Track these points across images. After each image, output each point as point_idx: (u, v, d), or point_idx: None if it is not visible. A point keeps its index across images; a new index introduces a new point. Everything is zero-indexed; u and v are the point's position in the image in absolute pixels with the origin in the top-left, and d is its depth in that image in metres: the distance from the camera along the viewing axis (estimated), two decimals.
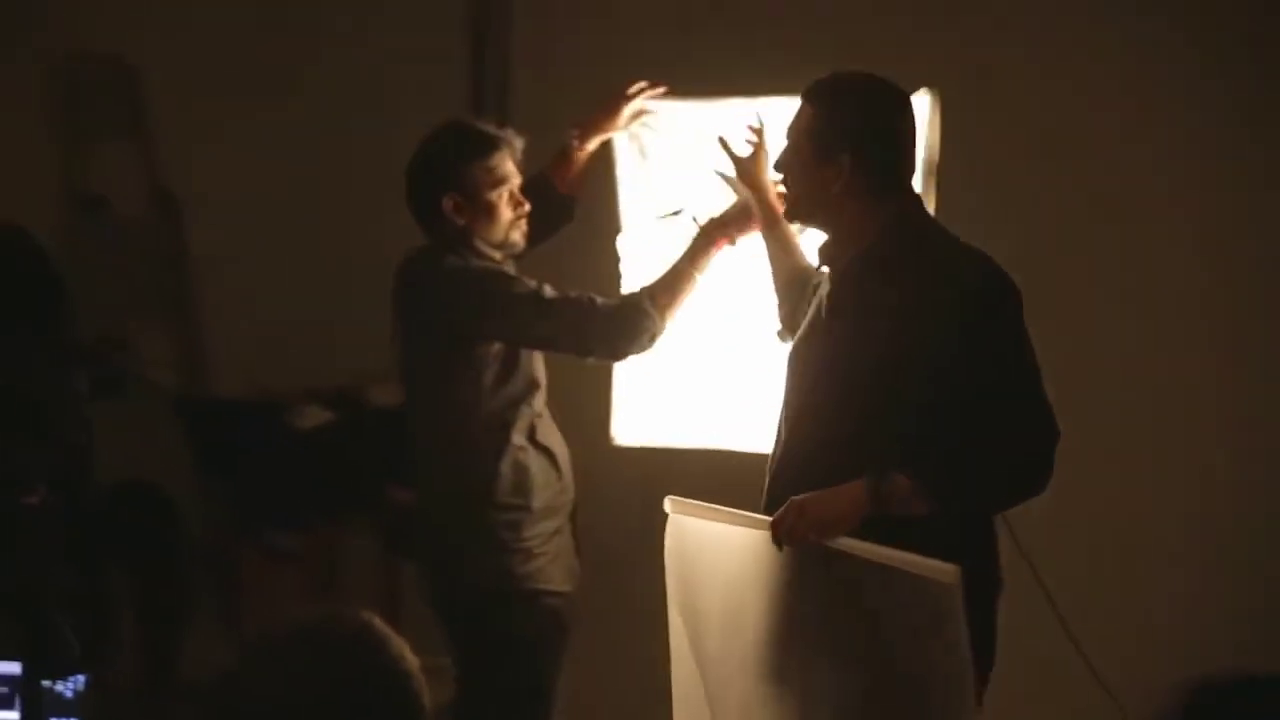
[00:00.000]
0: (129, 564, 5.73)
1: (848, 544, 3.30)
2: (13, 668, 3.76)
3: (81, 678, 3.99)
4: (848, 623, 3.33)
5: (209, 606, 6.03)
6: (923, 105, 4.12)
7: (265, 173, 6.16)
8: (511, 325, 4.24)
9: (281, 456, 6.00)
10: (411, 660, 2.07)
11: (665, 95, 4.34)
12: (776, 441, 3.63)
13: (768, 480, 3.63)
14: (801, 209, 3.61)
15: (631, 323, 4.16)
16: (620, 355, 4.23)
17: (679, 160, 4.34)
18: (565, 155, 4.50)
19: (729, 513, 3.59)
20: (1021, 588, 4.42)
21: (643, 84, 4.38)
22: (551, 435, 4.39)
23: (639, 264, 4.40)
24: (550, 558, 4.32)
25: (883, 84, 3.57)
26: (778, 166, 3.64)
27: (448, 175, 4.29)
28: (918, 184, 3.96)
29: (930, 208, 4.12)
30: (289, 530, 6.06)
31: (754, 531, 3.46)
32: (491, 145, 4.30)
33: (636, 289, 4.25)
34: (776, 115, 4.20)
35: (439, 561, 4.46)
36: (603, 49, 5.68)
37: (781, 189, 3.79)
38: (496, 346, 4.26)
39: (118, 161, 6.25)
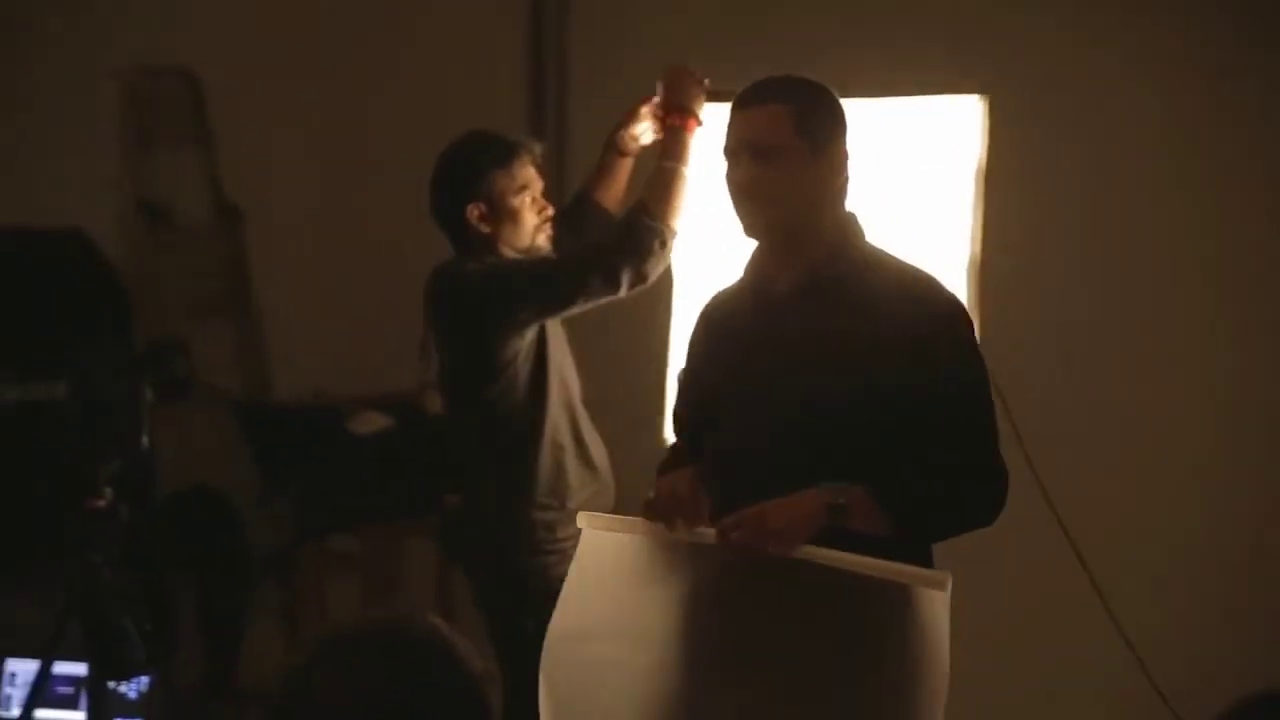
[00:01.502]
0: (190, 567, 5.80)
1: (819, 553, 3.18)
2: (79, 668, 3.82)
3: (145, 679, 4.05)
4: (817, 635, 3.21)
5: (269, 609, 6.09)
6: (975, 111, 4.13)
7: (325, 181, 6.22)
8: (540, 295, 4.26)
9: (340, 461, 6.05)
10: (479, 663, 2.09)
11: (711, 98, 4.31)
12: (729, 466, 3.44)
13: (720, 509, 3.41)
14: (780, 223, 3.40)
15: (639, 239, 4.14)
16: (646, 274, 4.19)
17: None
18: (603, 169, 4.53)
19: (658, 527, 3.38)
20: (1077, 592, 4.46)
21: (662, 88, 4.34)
22: (590, 436, 4.43)
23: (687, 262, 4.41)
24: None
25: None
26: (753, 185, 3.38)
27: (470, 185, 4.34)
28: (968, 190, 3.96)
29: (979, 215, 4.12)
30: (348, 534, 6.11)
31: (695, 544, 3.31)
32: (510, 152, 4.35)
33: (630, 207, 4.25)
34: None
35: (479, 561, 4.52)
36: (660, 47, 5.72)
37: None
38: (527, 344, 4.30)
39: (182, 170, 6.31)
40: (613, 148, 4.46)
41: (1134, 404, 5.37)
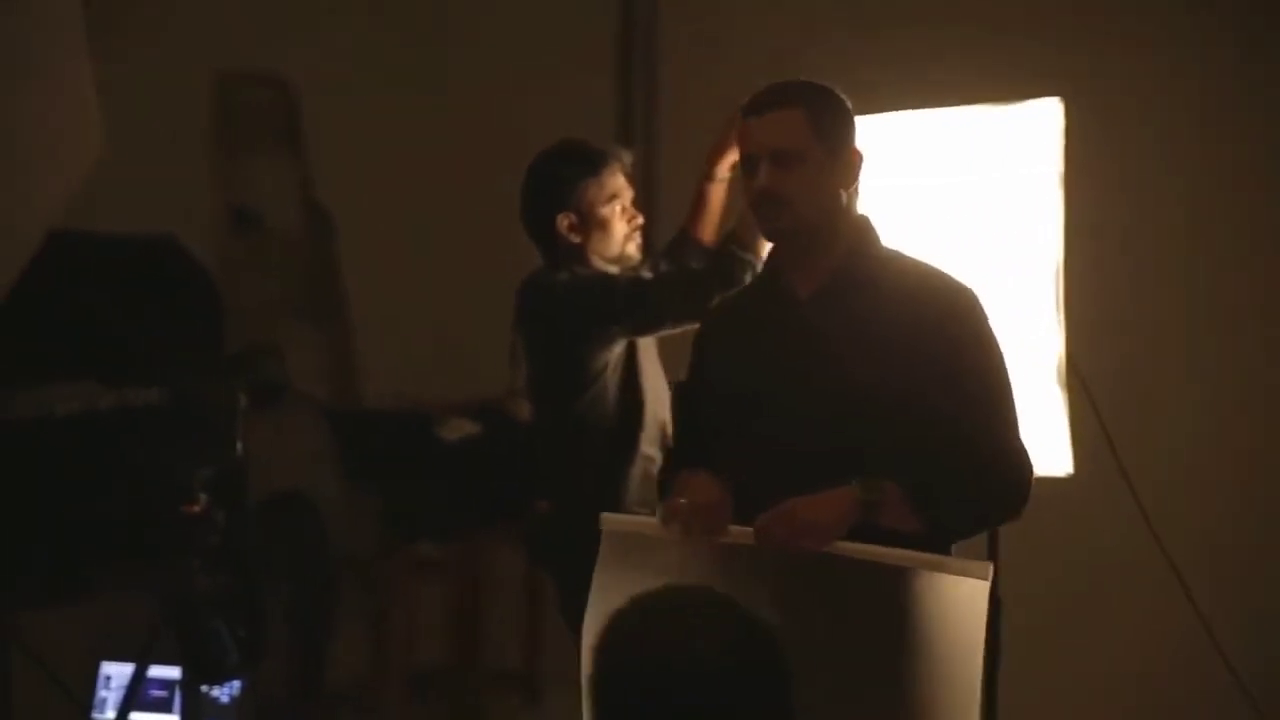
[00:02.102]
0: (279, 573, 5.83)
1: (853, 548, 3.17)
2: (173, 672, 3.87)
3: (237, 683, 4.09)
4: (852, 630, 3.19)
5: (357, 614, 6.12)
6: (1053, 113, 4.11)
7: (415, 187, 6.24)
8: (631, 315, 4.26)
9: (428, 467, 6.07)
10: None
11: None
12: (761, 467, 3.36)
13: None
14: (803, 226, 3.37)
15: (729, 268, 4.12)
16: None
17: None
18: (700, 201, 4.52)
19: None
20: (1158, 581, 4.44)
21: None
22: None
23: None
24: None
25: None
26: (775, 190, 3.35)
27: (560, 194, 4.35)
28: (1046, 192, 3.95)
29: (1060, 216, 4.11)
30: (435, 540, 6.12)
31: (722, 544, 3.27)
32: (600, 161, 4.34)
33: (721, 238, 4.24)
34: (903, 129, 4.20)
35: (567, 568, 4.52)
36: (748, 58, 5.73)
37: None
38: (616, 355, 4.31)
39: (273, 176, 6.35)
40: (706, 177, 4.47)
41: (1225, 405, 5.35)
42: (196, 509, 3.79)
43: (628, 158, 4.41)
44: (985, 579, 3.12)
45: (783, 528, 3.20)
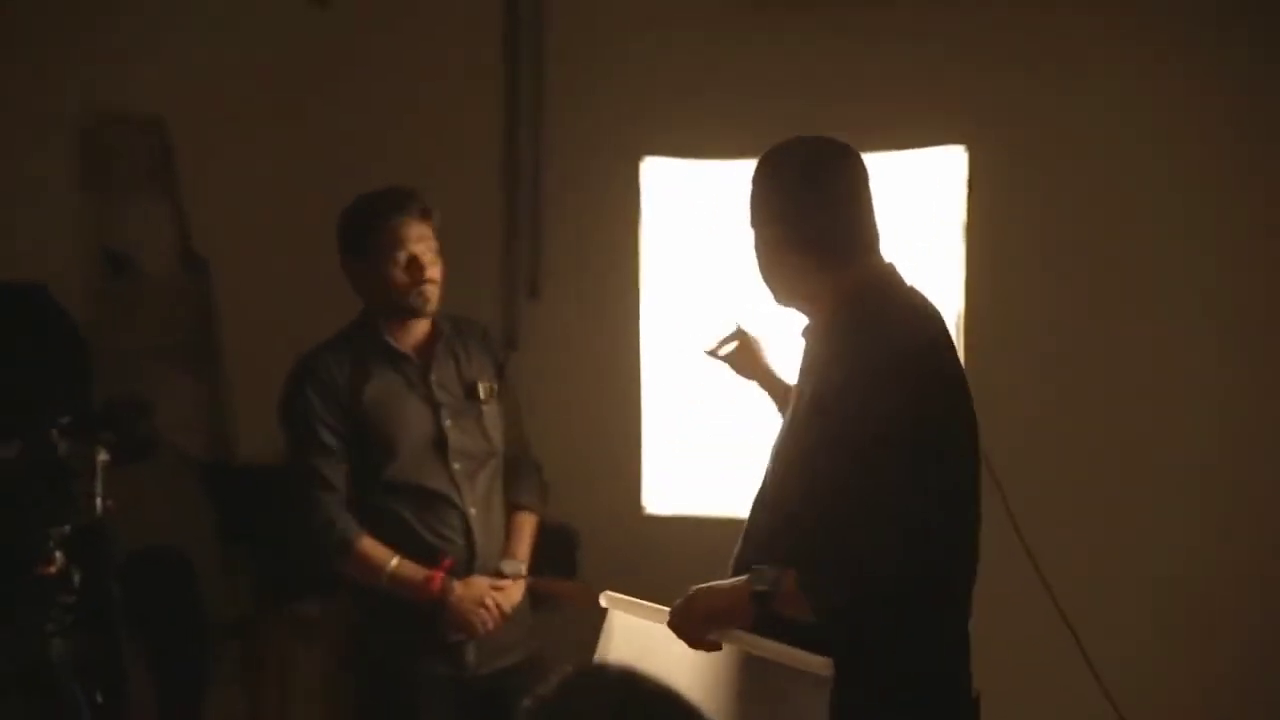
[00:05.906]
0: (148, 633, 5.67)
1: (742, 638, 3.19)
2: None
3: None
4: (738, 716, 3.22)
5: (229, 676, 5.97)
6: (956, 160, 4.09)
7: (293, 232, 6.11)
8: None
9: None
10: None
11: (686, 155, 4.24)
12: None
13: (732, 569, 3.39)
14: (778, 298, 3.37)
15: (320, 549, 4.36)
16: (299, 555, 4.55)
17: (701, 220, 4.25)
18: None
19: (656, 609, 3.39)
20: (1037, 608, 4.38)
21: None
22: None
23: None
24: (407, 632, 4.35)
25: (804, 150, 3.32)
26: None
27: (342, 239, 4.50)
28: (939, 241, 3.90)
29: (961, 259, 4.07)
30: (310, 597, 5.99)
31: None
32: (387, 212, 4.41)
33: (360, 538, 4.34)
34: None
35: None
36: (636, 70, 5.67)
37: None
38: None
39: (147, 220, 6.23)
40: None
41: (1120, 458, 5.36)
42: (52, 569, 3.63)
43: (425, 214, 4.44)
44: (825, 674, 3.05)
45: (682, 617, 3.24)
